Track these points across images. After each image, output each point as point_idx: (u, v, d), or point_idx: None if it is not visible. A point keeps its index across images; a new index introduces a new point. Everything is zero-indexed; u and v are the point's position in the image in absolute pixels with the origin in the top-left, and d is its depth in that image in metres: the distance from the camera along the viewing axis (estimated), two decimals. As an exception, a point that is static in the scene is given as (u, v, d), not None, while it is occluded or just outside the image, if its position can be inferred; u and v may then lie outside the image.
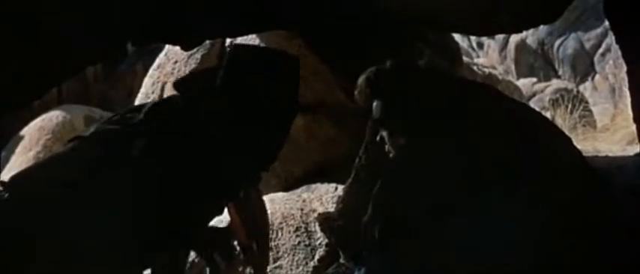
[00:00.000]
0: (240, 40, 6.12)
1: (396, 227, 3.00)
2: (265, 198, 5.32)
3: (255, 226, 3.34)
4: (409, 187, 3.02)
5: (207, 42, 6.13)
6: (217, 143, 2.77)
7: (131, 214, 2.54)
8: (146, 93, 7.07)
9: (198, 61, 6.38)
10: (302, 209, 5.20)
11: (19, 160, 10.46)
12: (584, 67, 21.76)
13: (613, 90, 17.17)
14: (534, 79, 18.61)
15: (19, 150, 10.86)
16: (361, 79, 3.37)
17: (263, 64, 3.02)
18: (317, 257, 4.80)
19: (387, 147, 3.30)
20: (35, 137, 11.03)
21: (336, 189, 5.36)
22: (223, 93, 2.91)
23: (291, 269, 4.76)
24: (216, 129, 2.79)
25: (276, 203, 5.31)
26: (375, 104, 3.30)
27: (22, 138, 11.13)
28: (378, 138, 3.33)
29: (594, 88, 20.37)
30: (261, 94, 2.90)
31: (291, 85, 3.05)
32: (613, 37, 4.52)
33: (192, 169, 2.71)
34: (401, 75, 3.31)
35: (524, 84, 17.00)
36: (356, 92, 3.39)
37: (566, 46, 22.49)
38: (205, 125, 2.79)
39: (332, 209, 4.98)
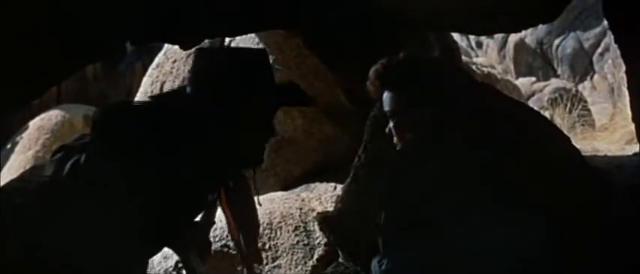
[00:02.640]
0: (239, 39, 6.14)
1: (406, 219, 2.99)
2: (264, 197, 5.34)
3: (245, 223, 3.35)
4: (413, 182, 3.02)
5: (206, 41, 6.13)
6: (194, 143, 2.77)
7: (116, 215, 2.55)
8: (145, 92, 7.08)
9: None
10: (301, 209, 5.21)
11: (19, 159, 10.48)
12: (582, 66, 21.79)
13: (612, 89, 17.20)
14: (533, 79, 18.65)
15: (18, 149, 10.88)
16: (372, 71, 3.35)
17: (228, 63, 3.00)
18: (316, 256, 4.80)
19: (394, 139, 3.27)
20: (34, 136, 11.06)
21: (335, 188, 5.36)
22: (193, 97, 2.90)
23: (290, 269, 4.77)
24: (192, 131, 2.78)
25: (275, 202, 5.31)
26: (385, 95, 3.28)
27: (21, 137, 11.15)
28: (387, 130, 3.30)
29: (593, 88, 20.40)
30: (229, 92, 2.87)
31: (259, 79, 3.00)
32: (612, 37, 4.52)
33: (173, 169, 2.70)
34: (413, 67, 3.30)
35: (523, 83, 17.02)
36: (368, 83, 3.37)
37: (565, 45, 22.52)
38: (181, 127, 2.78)
39: (331, 209, 4.98)
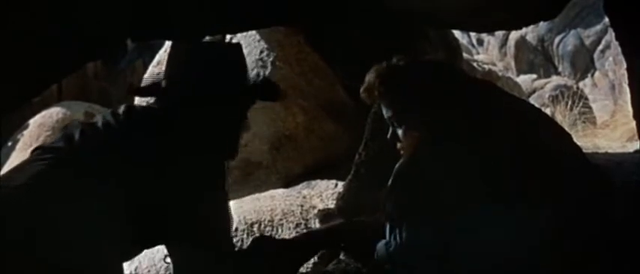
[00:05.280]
0: (239, 36, 6.14)
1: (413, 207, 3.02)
2: (265, 194, 5.35)
3: None
4: (421, 183, 3.03)
5: (207, 39, 6.13)
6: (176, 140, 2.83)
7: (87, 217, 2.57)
8: (146, 89, 7.06)
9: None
10: (302, 206, 5.20)
11: (19, 157, 10.45)
12: (583, 63, 21.83)
13: (613, 86, 17.26)
14: (534, 76, 18.71)
15: (19, 146, 10.87)
16: (370, 76, 3.35)
17: (202, 58, 3.08)
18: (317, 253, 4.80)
19: (398, 144, 3.28)
20: (35, 133, 11.05)
21: (336, 185, 5.36)
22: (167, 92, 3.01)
23: (291, 266, 4.77)
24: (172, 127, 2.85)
25: (276, 199, 5.31)
26: (385, 102, 3.30)
27: (22, 134, 11.15)
28: (388, 135, 3.31)
29: (594, 85, 20.44)
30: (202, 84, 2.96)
31: (233, 74, 3.09)
32: (613, 34, 4.54)
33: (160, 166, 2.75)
34: (412, 71, 3.31)
35: (524, 80, 17.07)
36: (362, 89, 3.38)
37: (566, 42, 22.55)
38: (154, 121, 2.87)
39: (332, 206, 4.99)
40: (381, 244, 3.09)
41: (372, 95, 3.32)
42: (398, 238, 2.99)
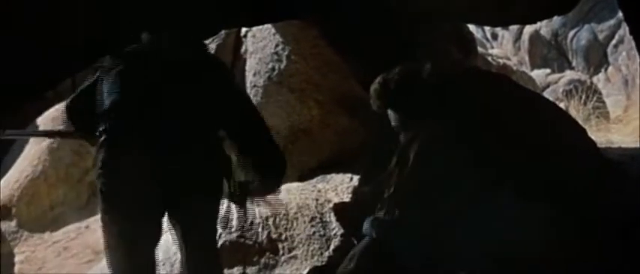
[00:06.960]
0: (255, 30, 6.16)
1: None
2: (281, 188, 5.38)
3: None
4: (430, 181, 3.07)
5: (223, 32, 6.16)
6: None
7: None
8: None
9: (213, 51, 6.40)
10: (317, 200, 5.22)
11: (33, 150, 10.51)
12: (597, 58, 21.69)
13: (626, 81, 17.17)
14: (548, 70, 18.58)
15: (33, 139, 10.91)
16: (372, 89, 3.45)
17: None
18: (332, 247, 4.81)
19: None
20: (49, 127, 11.06)
21: (351, 179, 5.37)
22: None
23: (306, 259, 4.78)
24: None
25: (291, 193, 5.33)
26: (389, 112, 3.38)
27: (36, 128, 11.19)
28: (399, 139, 3.38)
29: (607, 80, 20.32)
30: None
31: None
32: (626, 29, 4.54)
33: None
34: (410, 82, 3.37)
35: (538, 75, 16.96)
36: (371, 97, 3.47)
37: (580, 37, 22.41)
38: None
39: (347, 200, 5.01)
40: (368, 219, 3.16)
41: (376, 106, 3.41)
42: (390, 215, 3.05)
